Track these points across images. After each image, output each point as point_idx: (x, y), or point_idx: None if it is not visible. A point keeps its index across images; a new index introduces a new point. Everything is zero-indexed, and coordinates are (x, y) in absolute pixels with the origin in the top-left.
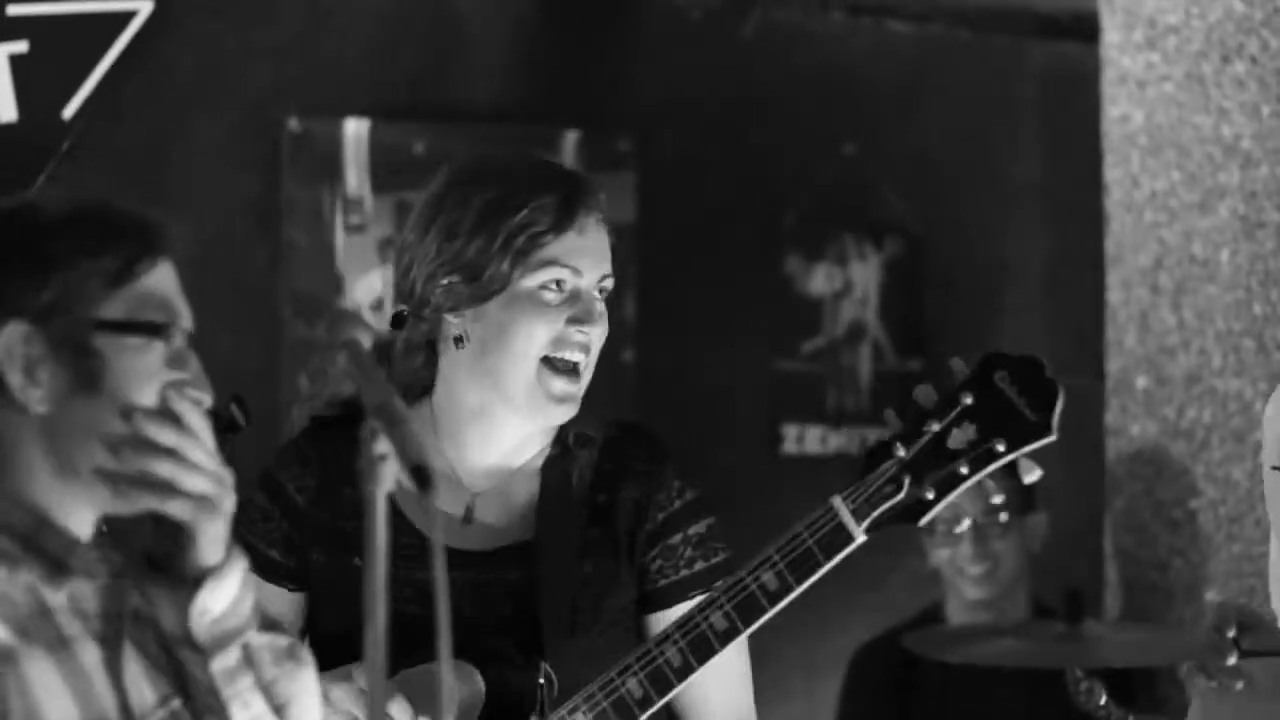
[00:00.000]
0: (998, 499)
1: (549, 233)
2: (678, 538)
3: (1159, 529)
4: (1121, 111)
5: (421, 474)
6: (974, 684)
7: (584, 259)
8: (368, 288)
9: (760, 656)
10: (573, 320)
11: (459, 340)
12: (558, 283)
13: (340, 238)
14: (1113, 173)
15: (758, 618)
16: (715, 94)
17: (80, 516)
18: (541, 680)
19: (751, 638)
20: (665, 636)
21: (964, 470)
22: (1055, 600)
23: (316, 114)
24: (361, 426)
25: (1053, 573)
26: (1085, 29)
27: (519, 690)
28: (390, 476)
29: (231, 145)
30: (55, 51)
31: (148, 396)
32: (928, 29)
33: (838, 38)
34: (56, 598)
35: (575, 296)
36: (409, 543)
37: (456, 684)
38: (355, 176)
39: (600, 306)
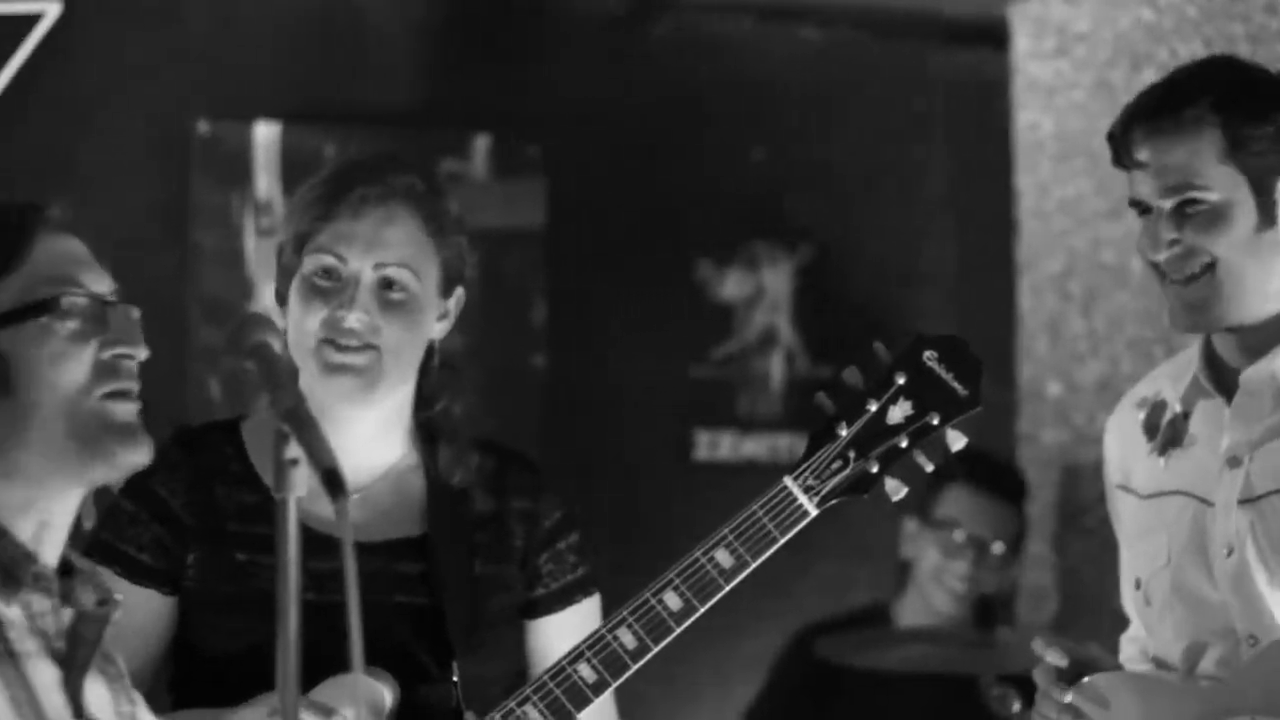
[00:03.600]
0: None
1: (318, 220)
2: (563, 544)
3: (1070, 536)
4: (1031, 118)
5: (333, 478)
6: (890, 689)
7: (351, 245)
8: None
9: (672, 662)
10: (339, 307)
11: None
12: (326, 270)
13: (250, 242)
14: (1023, 180)
15: (712, 595)
16: (626, 99)
17: (29, 517)
18: (455, 678)
19: (666, 649)
20: (619, 620)
21: (904, 443)
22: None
23: (226, 117)
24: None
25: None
26: (995, 36)
27: (430, 686)
28: (302, 481)
29: (140, 149)
30: None
31: (76, 372)
32: (837, 35)
33: (748, 43)
34: (8, 611)
35: (345, 283)
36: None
37: (372, 689)
38: (265, 180)
39: (371, 295)
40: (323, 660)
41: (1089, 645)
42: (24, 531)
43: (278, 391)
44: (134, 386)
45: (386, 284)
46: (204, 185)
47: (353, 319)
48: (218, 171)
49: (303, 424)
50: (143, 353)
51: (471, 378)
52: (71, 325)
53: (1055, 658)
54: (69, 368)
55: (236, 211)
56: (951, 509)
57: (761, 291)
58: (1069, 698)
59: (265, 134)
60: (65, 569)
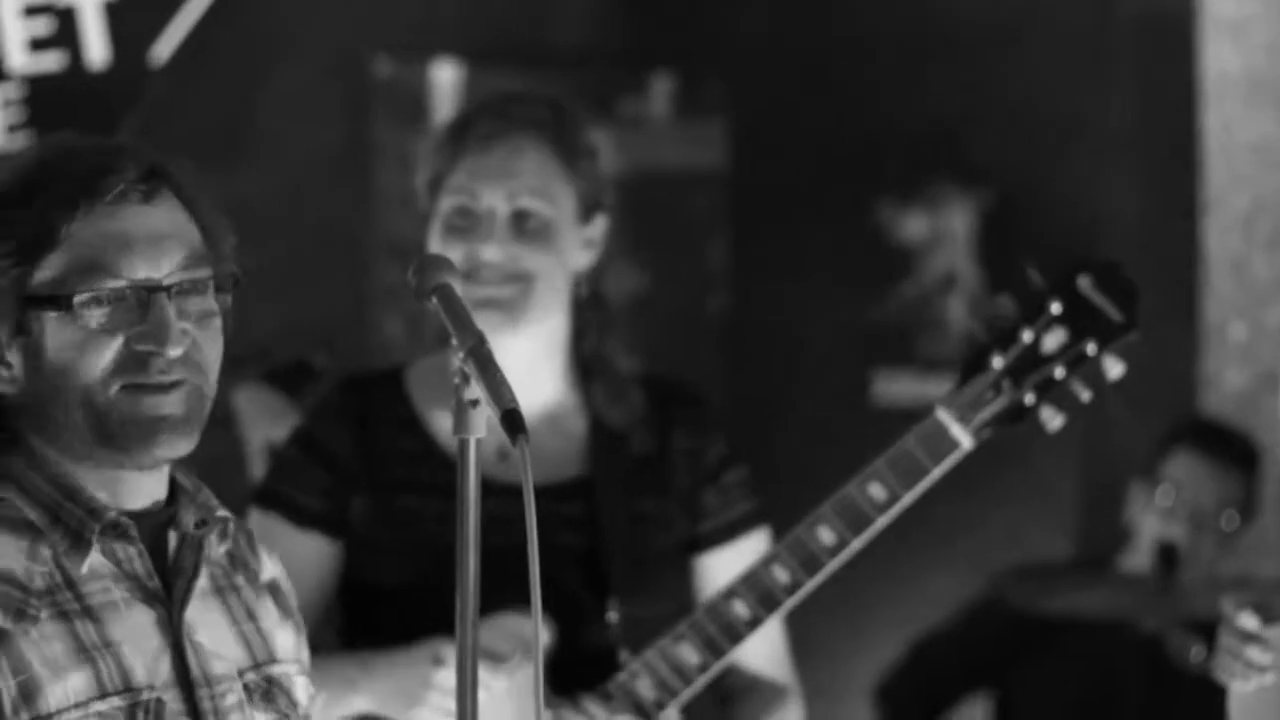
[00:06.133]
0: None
1: (448, 162)
2: (729, 478)
3: None
4: (1218, 56)
5: (513, 418)
6: (1069, 634)
7: (482, 181)
8: None
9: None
10: (476, 242)
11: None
12: (461, 209)
13: None
14: (1209, 118)
15: (865, 529)
16: (809, 38)
17: (97, 484)
18: (612, 616)
19: (842, 589)
20: (772, 555)
21: (1059, 373)
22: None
23: (406, 57)
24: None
25: None
26: None
27: (588, 626)
28: (482, 422)
29: (320, 89)
30: None
31: (95, 364)
32: None
33: None
34: (83, 568)
35: (480, 219)
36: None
37: (526, 629)
38: (446, 119)
39: (507, 227)
40: (481, 605)
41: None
42: (99, 493)
43: (459, 331)
44: (169, 378)
45: (521, 215)
46: (384, 125)
47: (490, 252)
48: (397, 111)
49: (484, 364)
50: (173, 351)
51: (651, 318)
52: (96, 315)
53: (1248, 621)
54: (88, 360)
55: (417, 151)
56: (1177, 473)
57: (942, 232)
58: (1266, 659)
59: (445, 73)
60: (171, 493)
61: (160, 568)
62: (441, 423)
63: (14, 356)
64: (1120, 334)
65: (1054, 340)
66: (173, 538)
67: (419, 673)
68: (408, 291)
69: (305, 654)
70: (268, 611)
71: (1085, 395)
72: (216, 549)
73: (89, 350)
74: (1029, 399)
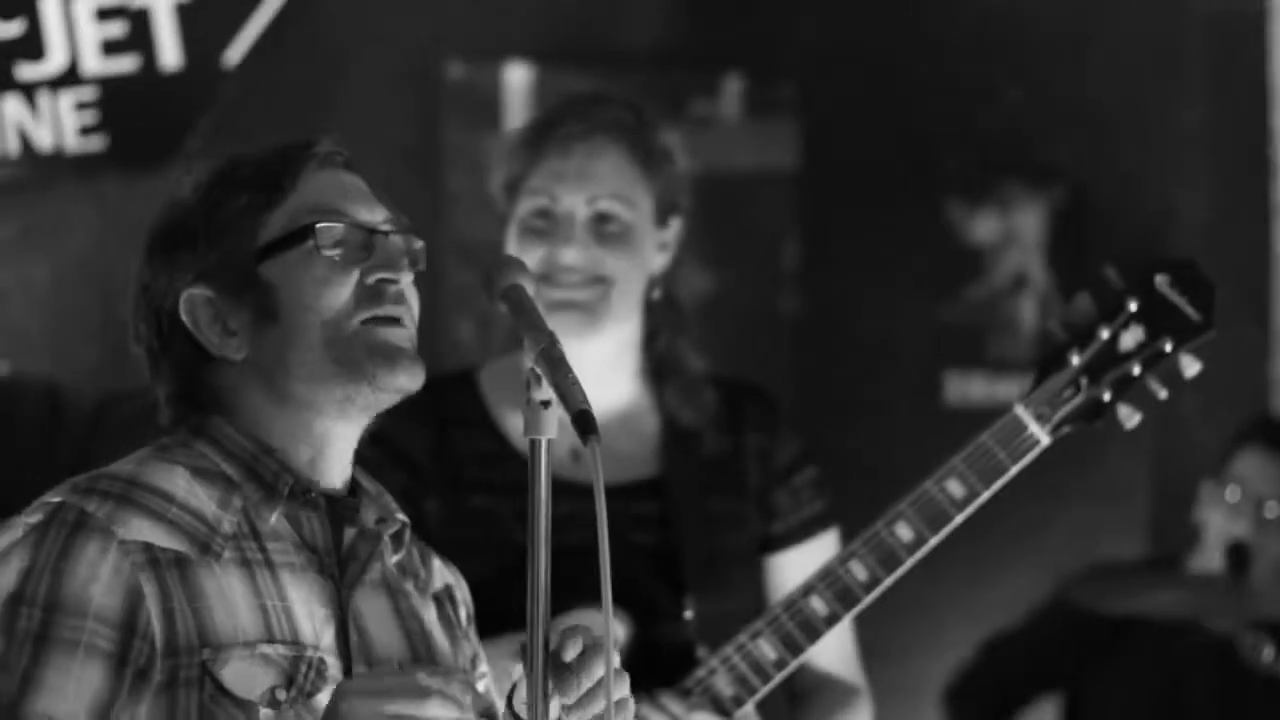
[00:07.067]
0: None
1: (527, 163)
2: (800, 479)
3: None
4: None
5: (584, 420)
6: (1140, 635)
7: (561, 183)
8: None
9: (919, 607)
10: (556, 245)
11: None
12: (540, 211)
13: None
14: None
15: (943, 526)
16: (879, 38)
17: (305, 442)
18: (689, 613)
19: (915, 589)
20: (850, 552)
21: (1136, 370)
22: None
23: (477, 60)
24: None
25: None
26: None
27: (662, 626)
28: (553, 423)
29: (392, 92)
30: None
31: (338, 297)
32: None
33: None
34: (269, 524)
35: (559, 221)
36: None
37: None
38: (517, 121)
39: (587, 230)
40: (553, 603)
41: None
42: (300, 455)
43: (530, 332)
44: (400, 312)
45: (601, 218)
46: (456, 127)
47: (570, 255)
48: (469, 114)
49: (555, 365)
50: (407, 278)
51: (722, 319)
52: (333, 252)
53: None
54: (331, 293)
55: (488, 153)
56: (1245, 471)
57: (1013, 233)
58: None
59: (516, 76)
60: (353, 489)
61: (336, 552)
62: (515, 423)
63: (238, 321)
64: (1197, 333)
65: (1131, 338)
66: (350, 531)
67: (500, 665)
68: (479, 293)
69: (474, 663)
70: (431, 619)
71: (1162, 393)
72: (390, 555)
73: (331, 284)
74: (1106, 396)
